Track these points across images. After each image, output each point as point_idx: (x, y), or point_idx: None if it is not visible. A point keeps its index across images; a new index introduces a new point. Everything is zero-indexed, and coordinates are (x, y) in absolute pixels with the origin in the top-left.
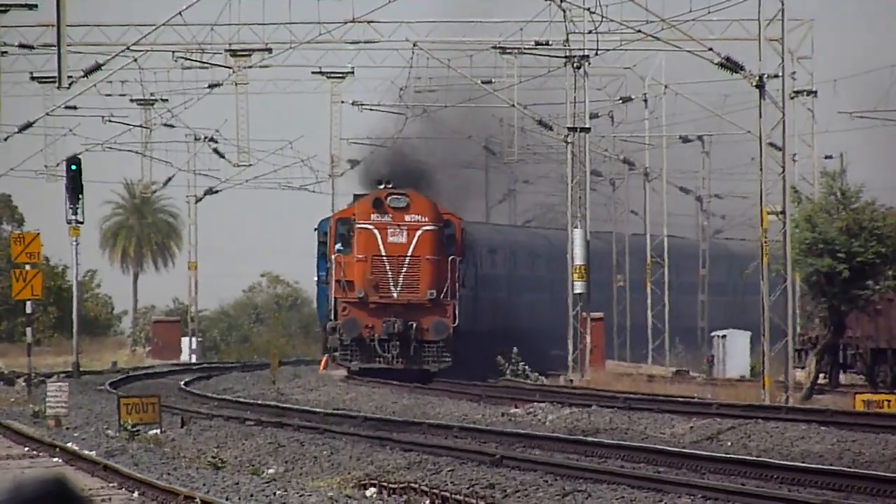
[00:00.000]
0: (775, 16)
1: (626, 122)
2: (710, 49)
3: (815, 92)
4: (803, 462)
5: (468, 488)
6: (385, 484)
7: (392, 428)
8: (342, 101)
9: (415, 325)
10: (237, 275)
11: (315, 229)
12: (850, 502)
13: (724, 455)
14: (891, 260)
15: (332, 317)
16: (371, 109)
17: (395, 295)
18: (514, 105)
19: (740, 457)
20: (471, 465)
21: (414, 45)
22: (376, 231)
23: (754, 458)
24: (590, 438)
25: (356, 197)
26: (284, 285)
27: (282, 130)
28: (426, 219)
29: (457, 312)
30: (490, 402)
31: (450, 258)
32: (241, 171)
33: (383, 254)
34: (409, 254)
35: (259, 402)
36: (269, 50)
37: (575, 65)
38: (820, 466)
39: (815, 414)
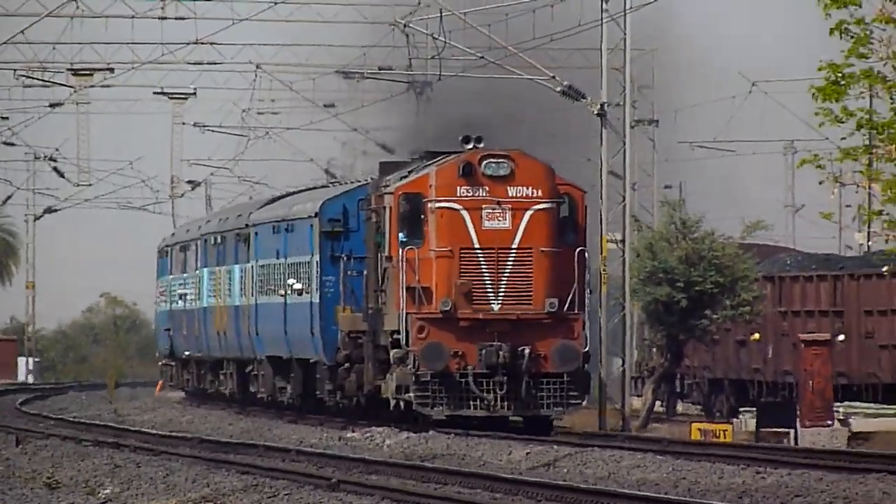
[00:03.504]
0: (617, 45)
1: None
2: (553, 77)
3: (657, 121)
4: (639, 490)
5: None
6: None
7: (229, 450)
8: (184, 122)
9: (528, 351)
10: (76, 295)
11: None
12: None
13: (560, 482)
14: (729, 290)
15: (404, 342)
16: (213, 131)
17: (496, 307)
18: (355, 129)
19: (577, 484)
20: (308, 489)
21: (257, 67)
22: (466, 212)
23: (591, 486)
24: (427, 464)
25: (387, 167)
26: (123, 307)
27: (123, 150)
28: (540, 192)
29: (587, 331)
30: (328, 426)
31: (576, 251)
32: (82, 191)
33: (477, 246)
34: (515, 245)
35: (96, 422)
36: (112, 70)
37: (417, 90)
38: (655, 495)
39: (651, 443)
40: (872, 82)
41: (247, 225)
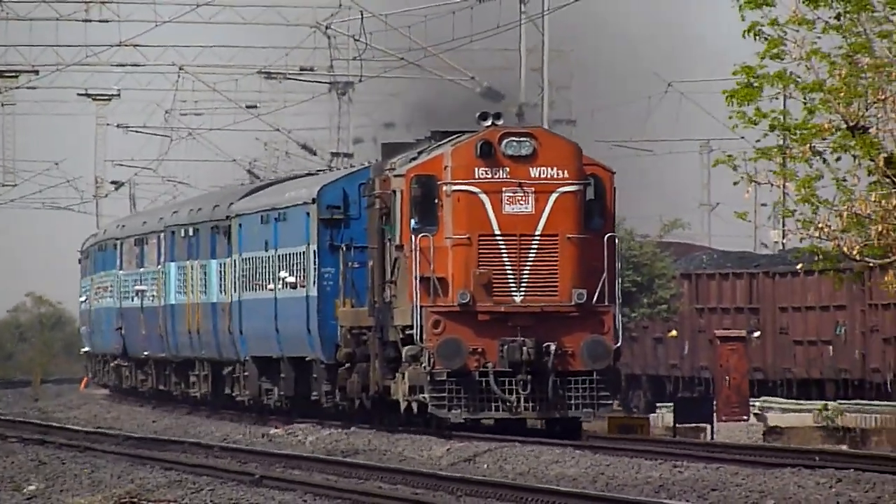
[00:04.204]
0: (535, 46)
1: None
2: (473, 78)
3: (574, 121)
4: (558, 485)
5: None
6: (145, 502)
7: (153, 446)
8: (108, 123)
9: (554, 347)
10: (1, 294)
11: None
12: None
13: (480, 478)
14: (646, 288)
15: (418, 338)
16: (136, 131)
17: (518, 299)
18: (278, 129)
19: (496, 479)
20: (231, 485)
21: (180, 68)
22: (485, 196)
23: (510, 481)
24: (349, 459)
25: (390, 148)
26: (48, 305)
27: (48, 151)
28: (565, 174)
29: (619, 325)
30: (251, 423)
31: (605, 237)
32: (7, 191)
33: (497, 232)
34: (539, 231)
35: (21, 419)
36: (36, 72)
37: (339, 91)
38: (574, 490)
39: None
40: (786, 84)
41: (228, 216)
